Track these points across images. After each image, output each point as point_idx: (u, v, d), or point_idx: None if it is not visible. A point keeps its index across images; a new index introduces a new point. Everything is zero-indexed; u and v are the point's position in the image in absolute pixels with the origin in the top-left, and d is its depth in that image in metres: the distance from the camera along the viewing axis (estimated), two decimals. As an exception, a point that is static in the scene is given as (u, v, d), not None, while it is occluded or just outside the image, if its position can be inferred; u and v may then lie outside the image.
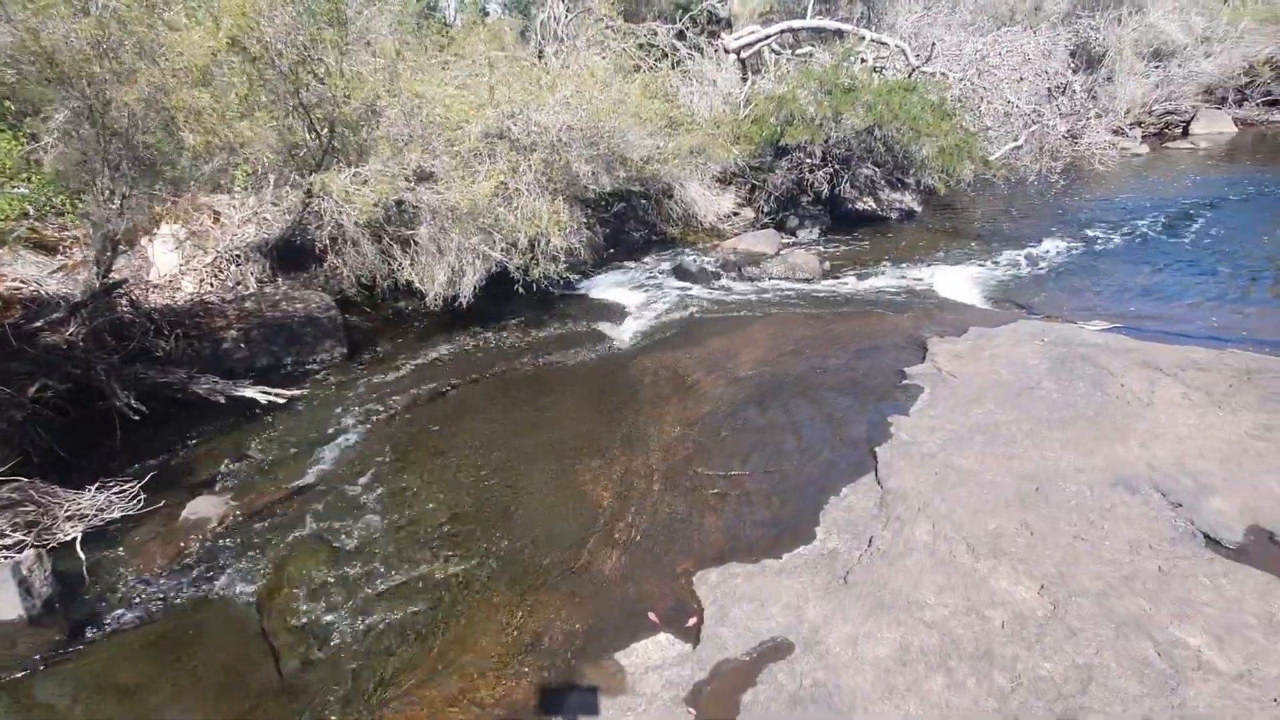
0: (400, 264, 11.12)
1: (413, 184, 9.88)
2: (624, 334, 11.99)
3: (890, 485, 7.45)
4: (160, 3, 7.93)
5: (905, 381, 9.80)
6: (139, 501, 7.66)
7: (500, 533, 7.23)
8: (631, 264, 15.33)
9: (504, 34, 15.16)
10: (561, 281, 11.89)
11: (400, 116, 9.86)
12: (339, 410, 9.72)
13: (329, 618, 6.35)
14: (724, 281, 14.38)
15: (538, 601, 6.33)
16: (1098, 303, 13.38)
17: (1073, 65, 26.18)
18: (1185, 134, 27.92)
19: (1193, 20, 31.11)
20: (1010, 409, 8.77)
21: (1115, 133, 24.85)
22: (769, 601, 6.06)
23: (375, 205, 9.35)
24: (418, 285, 11.00)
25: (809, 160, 17.37)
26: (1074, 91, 22.88)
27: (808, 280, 14.51)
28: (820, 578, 6.28)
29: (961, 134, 17.11)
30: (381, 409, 9.71)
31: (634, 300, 13.53)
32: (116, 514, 7.51)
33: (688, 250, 15.86)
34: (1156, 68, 29.37)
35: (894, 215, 18.77)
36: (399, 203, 10.30)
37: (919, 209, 18.99)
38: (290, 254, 11.82)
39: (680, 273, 14.49)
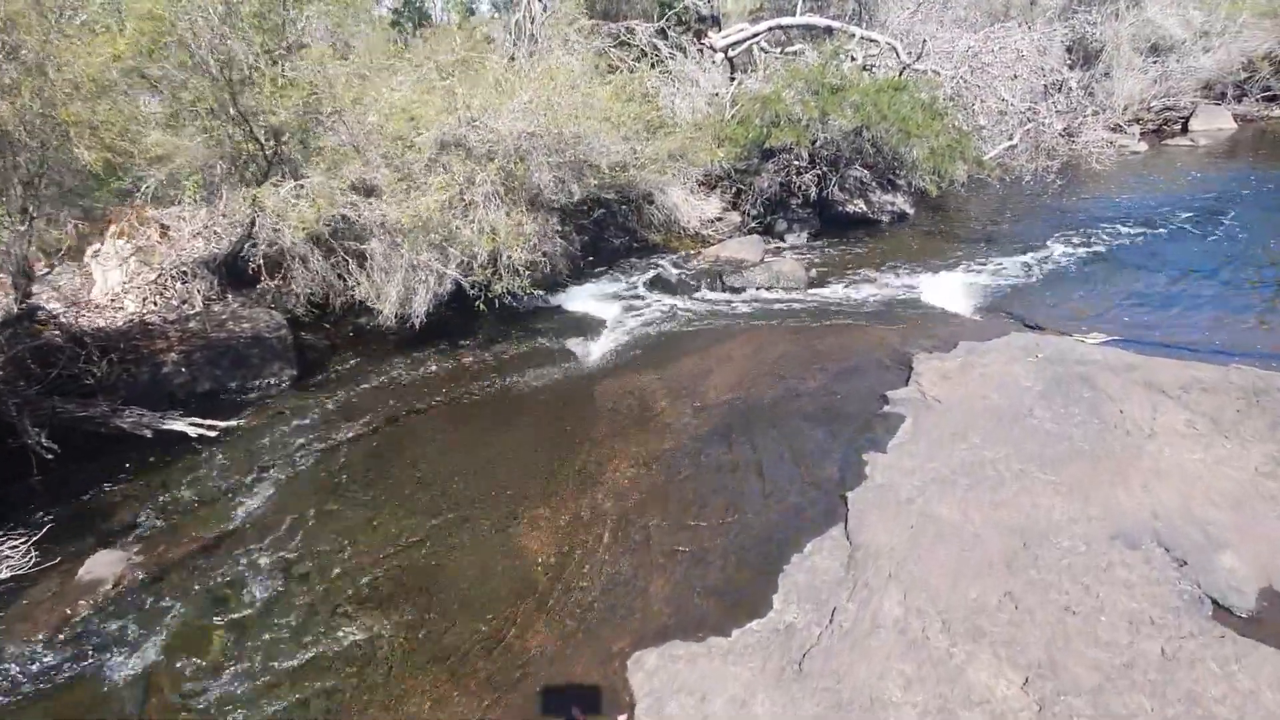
0: (355, 280, 10.12)
1: (354, 198, 8.87)
2: (593, 353, 10.97)
3: (861, 540, 6.43)
4: (57, 9, 6.94)
5: (886, 409, 8.76)
6: (31, 559, 6.70)
7: (425, 598, 6.25)
8: (610, 273, 14.29)
9: (477, 36, 14.12)
10: (527, 296, 10.85)
11: (341, 125, 8.85)
12: (276, 443, 8.75)
13: (218, 700, 5.39)
14: (704, 292, 13.34)
15: (448, 690, 5.35)
16: (1095, 312, 12.29)
17: (1069, 61, 24.94)
18: (1184, 130, 26.61)
19: (1191, 14, 29.75)
20: (999, 443, 7.72)
21: (1113, 130, 23.66)
22: (712, 694, 5.06)
23: (315, 222, 8.36)
24: (369, 304, 10.00)
25: (796, 162, 16.28)
26: (1070, 88, 21.68)
27: (792, 289, 13.45)
28: (773, 663, 5.26)
29: (954, 134, 16.00)
30: (321, 442, 8.74)
31: (608, 313, 12.51)
32: (4, 574, 6.56)
33: (669, 258, 14.82)
34: (1154, 63, 28.03)
35: (885, 218, 17.66)
36: (346, 217, 9.30)
37: (911, 211, 17.87)
38: (242, 269, 10.84)
39: (659, 283, 13.46)
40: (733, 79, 18.04)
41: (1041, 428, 8.06)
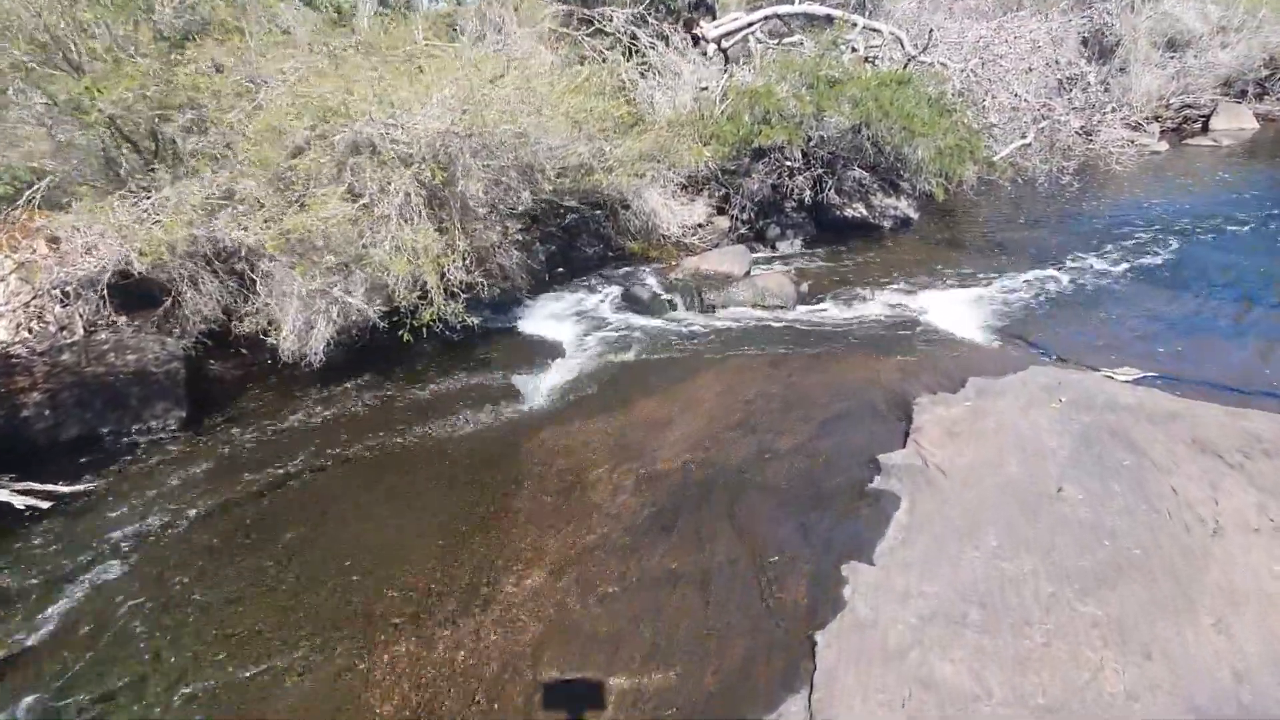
0: (252, 305, 8.12)
1: (214, 214, 6.84)
2: (540, 390, 8.93)
3: (830, 721, 4.36)
4: None
5: (878, 482, 6.67)
6: None
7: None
8: (578, 286, 12.20)
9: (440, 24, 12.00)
10: (463, 324, 8.75)
11: (212, 126, 6.81)
12: (134, 512, 6.81)
13: None
14: (680, 312, 11.23)
15: None
16: (1123, 338, 10.12)
17: (1085, 55, 22.52)
18: (1205, 129, 24.04)
19: (1208, 8, 27.16)
20: (1021, 548, 5.61)
21: (1132, 128, 21.20)
22: None
23: (160, 247, 6.34)
24: (262, 335, 7.99)
25: (789, 163, 14.09)
26: (1088, 83, 19.29)
27: (779, 308, 11.32)
28: None
29: (962, 132, 13.74)
30: (191, 509, 6.81)
31: (568, 337, 10.45)
32: None
33: (646, 269, 12.70)
34: (1172, 58, 25.48)
35: (887, 223, 15.44)
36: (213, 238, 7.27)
37: (915, 216, 15.63)
38: (139, 290, 8.86)
39: (629, 301, 11.35)
40: (726, 71, 15.82)
41: (1075, 517, 5.94)
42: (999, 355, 9.74)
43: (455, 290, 8.76)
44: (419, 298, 8.48)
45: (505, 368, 9.41)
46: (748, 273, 12.21)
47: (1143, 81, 24.57)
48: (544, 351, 9.96)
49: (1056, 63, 18.05)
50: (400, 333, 8.42)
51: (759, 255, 13.95)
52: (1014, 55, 15.98)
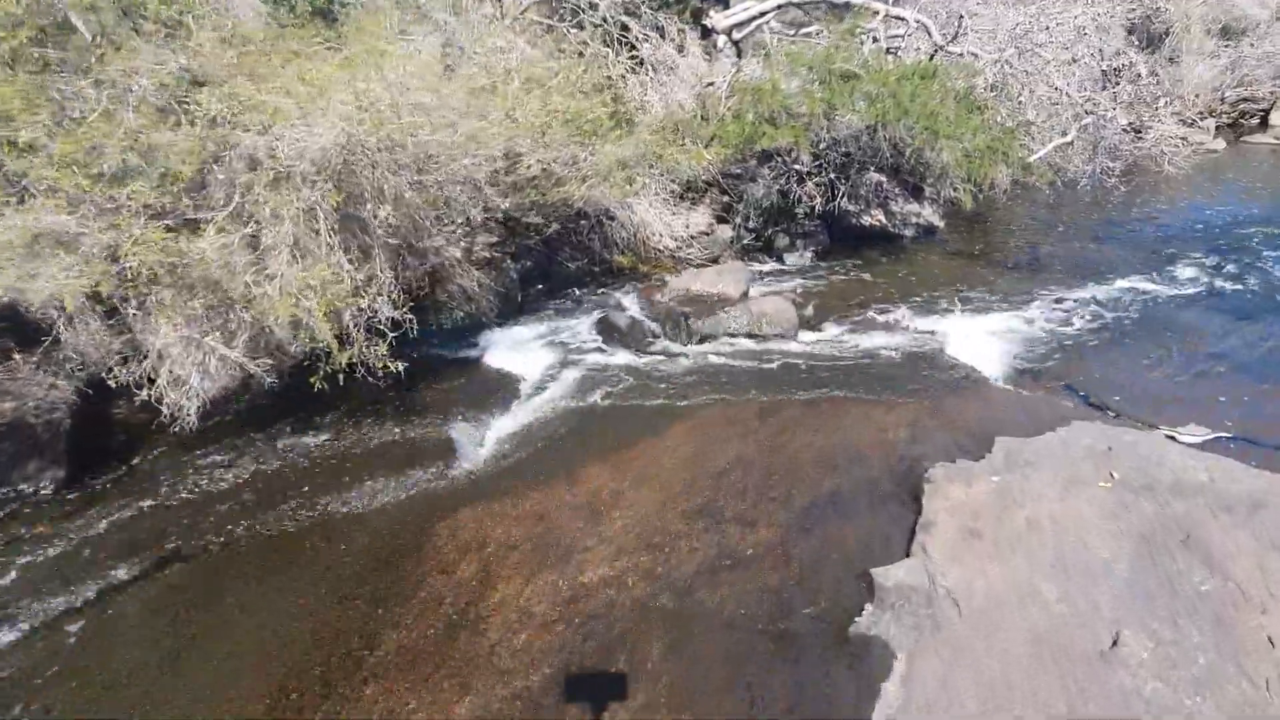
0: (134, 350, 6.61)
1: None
2: (479, 446, 7.31)
3: None
4: None
5: (866, 620, 4.93)
6: None
7: None
8: (554, 308, 10.52)
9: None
10: (385, 371, 7.10)
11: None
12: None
13: None
14: (662, 343, 9.50)
15: None
16: (1184, 384, 8.26)
17: (1131, 43, 20.13)
18: (1264, 125, 21.49)
19: (1268, -7, 24.53)
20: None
21: (1184, 124, 18.84)
22: None
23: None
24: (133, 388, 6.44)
25: (798, 167, 12.23)
26: (1138, 74, 17.00)
27: (778, 337, 9.54)
28: None
29: (994, 132, 11.76)
30: (42, 604, 5.34)
31: (530, 373, 8.79)
32: None
33: (631, 288, 10.96)
34: (1227, 47, 22.89)
35: (908, 233, 13.51)
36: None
37: (940, 224, 13.66)
38: (14, 325, 7.39)
39: (605, 330, 9.63)
40: (736, 67, 13.94)
41: (1140, 693, 4.15)
42: (1033, 404, 7.89)
43: (382, 329, 7.15)
44: (337, 338, 6.89)
45: (447, 415, 7.79)
46: (745, 294, 10.42)
47: (1195, 73, 22.10)
48: (498, 392, 8.32)
49: (1100, 52, 15.83)
50: (311, 380, 6.83)
51: (764, 269, 12.16)
52: (1055, 44, 13.84)
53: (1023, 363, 8.82)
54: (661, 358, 9.14)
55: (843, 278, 11.78)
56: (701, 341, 9.52)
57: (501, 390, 8.42)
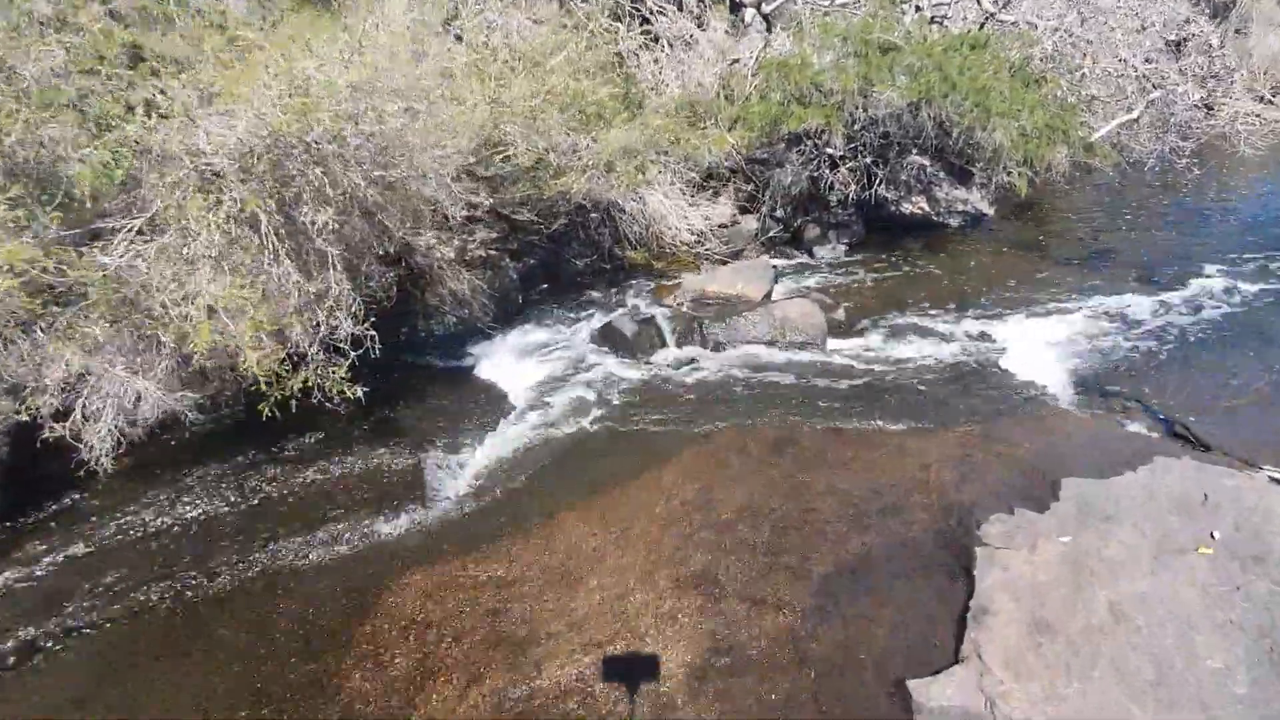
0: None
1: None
2: (449, 484, 6.21)
3: None
4: None
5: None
6: None
7: None
8: (559, 311, 9.33)
9: None
10: (343, 397, 5.98)
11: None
12: None
13: None
14: (671, 353, 8.28)
15: None
16: (1286, 405, 6.80)
17: (1202, 12, 18.09)
18: (1344, 97, 19.25)
19: (1345, -45, 22.03)
20: None
21: (1259, 100, 16.88)
22: None
23: None
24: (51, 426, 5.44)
25: (830, 150, 10.81)
26: (1209, 45, 15.09)
27: (805, 346, 8.26)
28: None
29: (1053, 108, 10.24)
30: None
31: (521, 390, 7.65)
32: None
33: (643, 287, 9.70)
34: (1302, 13, 20.60)
35: (954, 221, 12.01)
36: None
37: (990, 211, 12.12)
38: None
39: (608, 338, 8.42)
40: (765, 42, 12.51)
41: None
42: (1105, 432, 6.52)
43: (342, 347, 6.06)
44: (291, 358, 5.82)
45: (423, 442, 6.69)
46: (768, 295, 9.13)
47: (1265, 44, 19.91)
48: (484, 413, 7.20)
49: (1172, 21, 14.01)
50: (260, 408, 5.76)
51: (791, 263, 10.82)
52: (1123, 9, 12.15)
53: (1090, 378, 7.41)
54: (669, 371, 7.92)
55: (879, 274, 10.38)
56: (716, 350, 8.27)
57: (488, 411, 7.29)
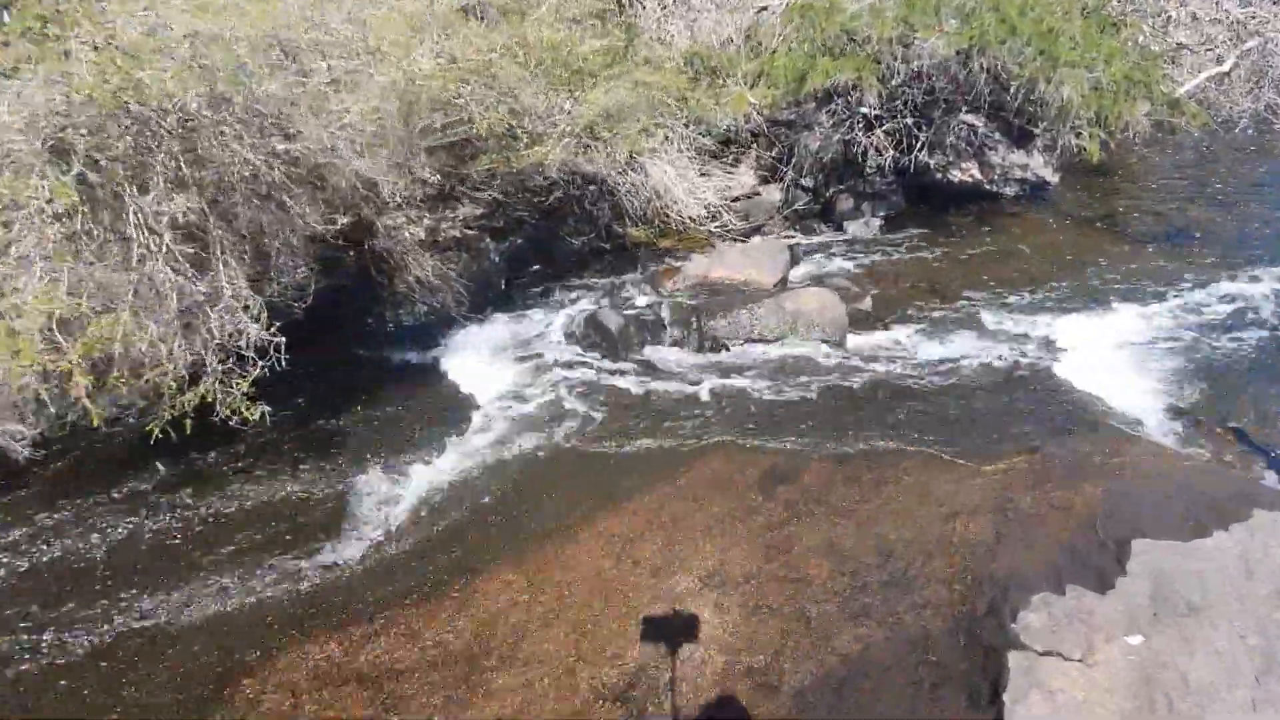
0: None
1: None
2: (382, 515, 5.05)
3: None
4: None
5: None
6: None
7: None
8: (545, 296, 8.06)
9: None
10: (261, 419, 4.86)
11: None
12: None
13: None
14: (662, 351, 6.94)
15: None
16: None
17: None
18: None
19: None
20: None
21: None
22: None
23: None
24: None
25: (864, 110, 9.18)
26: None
27: (818, 345, 6.84)
28: None
29: (1133, 57, 8.46)
30: None
31: (486, 395, 6.43)
32: None
33: (641, 271, 8.35)
34: None
35: (1010, 190, 10.27)
36: None
37: (1053, 179, 10.32)
38: None
39: (592, 332, 7.12)
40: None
41: None
42: (1189, 469, 5.02)
43: (249, 355, 4.93)
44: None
45: (355, 463, 5.56)
46: (782, 281, 7.70)
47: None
48: (434, 427, 6.01)
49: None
50: (150, 428, 4.69)
51: (816, 240, 9.34)
52: (1222, -62, 10.08)
53: (1171, 396, 5.85)
54: (655, 374, 6.61)
55: (917, 253, 8.83)
56: (715, 349, 6.92)
57: (441, 423, 6.10)
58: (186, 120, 4.02)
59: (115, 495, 5.15)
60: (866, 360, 6.67)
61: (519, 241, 8.65)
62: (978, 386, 6.19)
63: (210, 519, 5.05)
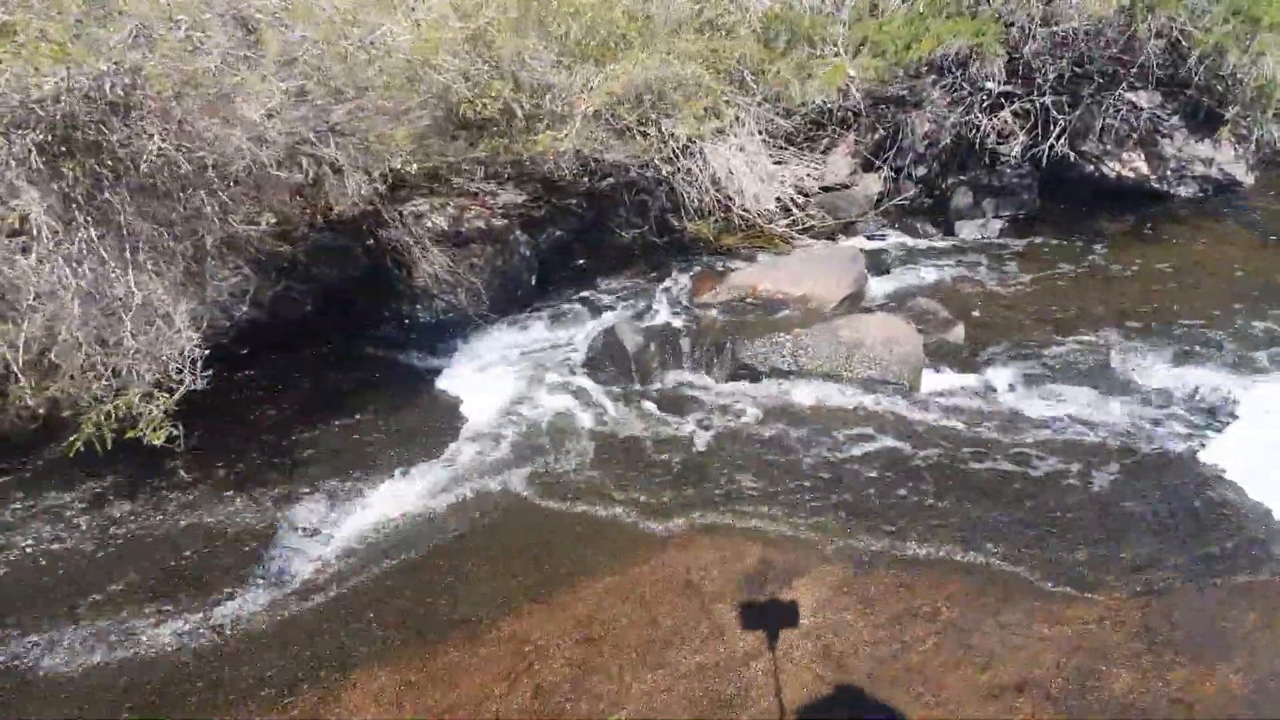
0: None
1: None
2: (303, 563, 4.06)
3: None
4: None
5: None
6: None
7: None
8: (582, 296, 6.79)
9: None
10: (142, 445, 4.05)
11: None
12: None
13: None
14: (680, 379, 5.53)
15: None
16: None
17: None
18: None
19: None
20: None
21: None
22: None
23: None
24: None
25: (989, 85, 7.18)
26: None
27: (880, 389, 5.20)
28: None
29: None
30: None
31: (477, 415, 5.23)
32: None
33: (685, 275, 6.87)
34: None
35: (1186, 190, 7.90)
36: None
37: (1248, 179, 7.80)
38: None
39: (606, 349, 5.76)
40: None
41: None
42: None
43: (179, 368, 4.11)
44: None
45: (302, 488, 4.59)
46: (852, 298, 6.03)
47: None
48: (406, 451, 4.94)
49: None
50: (71, 448, 3.98)
51: (917, 244, 7.55)
52: None
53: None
54: (664, 409, 5.23)
55: (1045, 267, 6.85)
56: (746, 378, 5.45)
57: (409, 448, 5.06)
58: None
59: (38, 509, 4.51)
60: (940, 414, 4.98)
61: (558, 233, 7.48)
62: (1092, 471, 4.36)
63: (107, 546, 4.30)
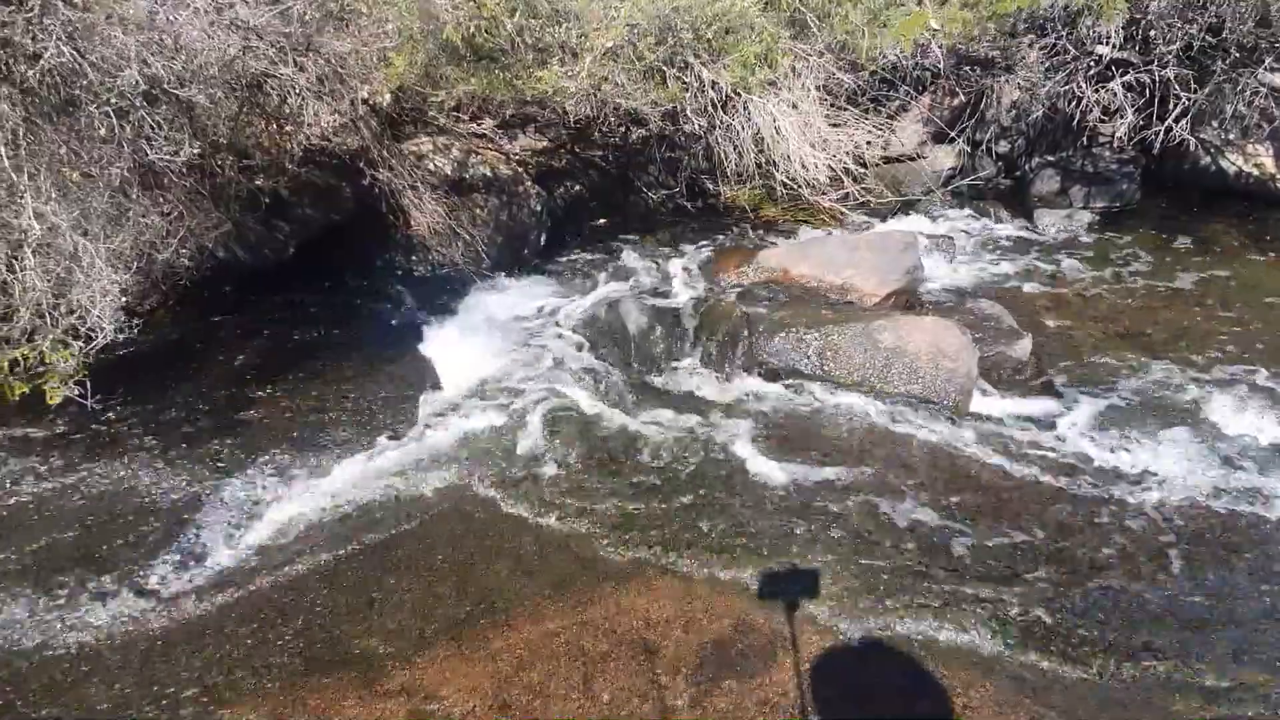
0: None
1: None
2: (219, 555, 3.46)
3: None
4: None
5: None
6: None
7: None
8: (596, 259, 5.99)
9: None
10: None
11: None
12: None
13: None
14: (685, 373, 4.69)
15: None
16: None
17: None
18: None
19: None
20: None
21: None
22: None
23: None
24: None
25: (1100, 50, 5.93)
26: None
27: (920, 409, 4.27)
28: None
29: None
30: None
31: (455, 388, 4.52)
32: None
33: (712, 248, 5.97)
34: None
35: (1322, 194, 6.53)
36: None
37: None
38: None
39: (609, 326, 4.90)
40: None
41: None
42: None
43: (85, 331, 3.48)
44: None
45: (237, 460, 3.99)
46: (900, 293, 5.03)
47: None
48: (360, 425, 4.27)
49: None
50: None
51: (990, 231, 6.44)
52: None
53: None
54: (661, 407, 4.40)
55: (1140, 274, 5.70)
56: (765, 376, 4.56)
57: (371, 419, 4.37)
58: None
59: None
60: (990, 447, 4.02)
61: (577, 188, 6.61)
62: (1181, 540, 3.40)
63: (23, 510, 3.77)
